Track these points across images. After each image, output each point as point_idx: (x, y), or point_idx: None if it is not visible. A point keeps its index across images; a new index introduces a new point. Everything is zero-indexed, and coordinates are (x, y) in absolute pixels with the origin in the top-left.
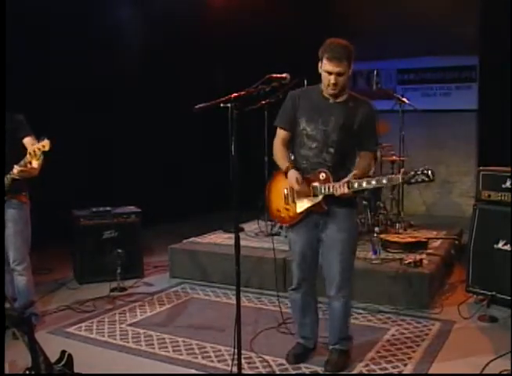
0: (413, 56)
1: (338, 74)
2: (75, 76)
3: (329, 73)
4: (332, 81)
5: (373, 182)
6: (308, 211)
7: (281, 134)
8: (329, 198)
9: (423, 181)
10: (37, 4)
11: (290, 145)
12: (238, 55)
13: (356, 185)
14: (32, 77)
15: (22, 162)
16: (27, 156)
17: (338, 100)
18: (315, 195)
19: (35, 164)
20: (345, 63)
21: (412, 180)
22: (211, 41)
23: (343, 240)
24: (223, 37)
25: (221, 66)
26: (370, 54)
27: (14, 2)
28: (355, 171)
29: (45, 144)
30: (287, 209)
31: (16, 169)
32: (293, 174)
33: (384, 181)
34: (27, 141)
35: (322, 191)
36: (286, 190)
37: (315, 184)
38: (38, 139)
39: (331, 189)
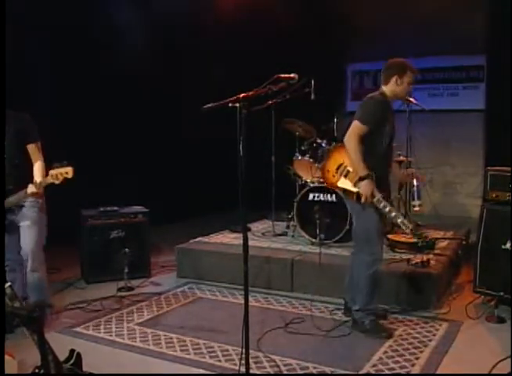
0: (420, 56)
1: None
2: (82, 76)
3: (411, 84)
4: (411, 90)
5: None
6: (343, 191)
7: (363, 131)
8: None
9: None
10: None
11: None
12: (239, 56)
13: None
14: (40, 76)
15: (42, 181)
16: (49, 177)
17: None
18: (355, 185)
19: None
20: None
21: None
22: (213, 41)
23: None
24: (224, 39)
25: (225, 66)
26: (377, 54)
27: (15, 3)
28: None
29: (69, 171)
30: (334, 176)
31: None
32: (370, 185)
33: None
34: (31, 148)
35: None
36: (342, 163)
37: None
38: (60, 162)
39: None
